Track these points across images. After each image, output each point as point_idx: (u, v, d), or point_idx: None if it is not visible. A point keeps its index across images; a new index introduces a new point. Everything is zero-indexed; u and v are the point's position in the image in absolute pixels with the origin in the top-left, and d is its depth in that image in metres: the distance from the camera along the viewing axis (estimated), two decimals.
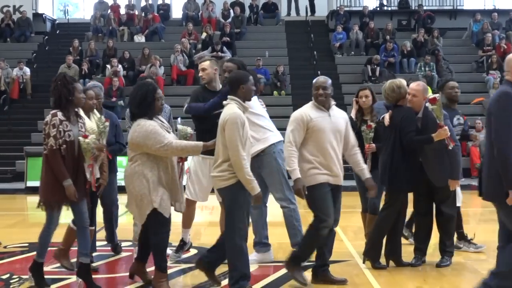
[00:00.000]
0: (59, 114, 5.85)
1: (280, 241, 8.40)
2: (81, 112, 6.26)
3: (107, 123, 6.39)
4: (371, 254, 6.74)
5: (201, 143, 5.87)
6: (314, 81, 6.26)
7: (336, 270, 6.56)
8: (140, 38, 23.41)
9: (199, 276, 6.46)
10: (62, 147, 5.79)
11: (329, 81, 6.24)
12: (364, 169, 6.30)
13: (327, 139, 6.04)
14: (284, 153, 6.16)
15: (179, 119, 6.61)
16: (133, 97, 5.93)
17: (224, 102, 5.80)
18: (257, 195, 5.61)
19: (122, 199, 6.82)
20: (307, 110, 6.14)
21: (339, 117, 6.21)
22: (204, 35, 22.30)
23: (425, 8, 24.69)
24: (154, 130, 5.69)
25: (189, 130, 6.21)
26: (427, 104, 6.47)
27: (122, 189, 7.14)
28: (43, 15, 25.51)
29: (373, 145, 7.00)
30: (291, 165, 5.99)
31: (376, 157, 6.99)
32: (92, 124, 6.38)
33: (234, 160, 5.51)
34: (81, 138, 5.91)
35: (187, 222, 7.38)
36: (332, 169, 6.05)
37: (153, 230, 5.83)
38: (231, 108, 5.68)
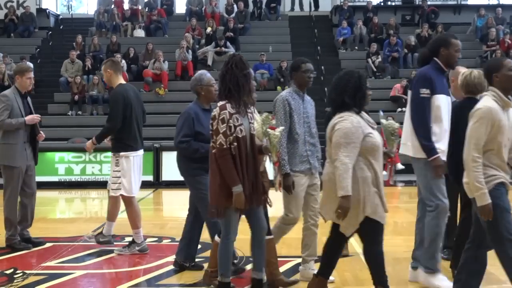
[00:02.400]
0: (228, 106, 5.06)
1: (284, 236, 8.41)
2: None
3: (274, 121, 5.56)
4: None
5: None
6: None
7: (340, 265, 6.55)
8: (140, 32, 23.35)
9: (200, 271, 6.47)
10: (232, 145, 5.01)
11: None
12: None
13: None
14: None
15: (381, 112, 5.91)
16: (344, 85, 4.99)
17: (483, 94, 4.93)
18: (482, 208, 4.54)
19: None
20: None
21: None
22: (208, 30, 22.29)
23: (429, 3, 24.65)
24: (352, 131, 4.85)
25: (396, 125, 5.40)
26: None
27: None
28: (47, 10, 25.54)
29: None
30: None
31: None
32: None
33: (464, 158, 4.62)
34: (270, 130, 5.22)
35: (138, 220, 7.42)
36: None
37: (369, 240, 5.03)
38: (484, 100, 4.74)
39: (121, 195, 7.31)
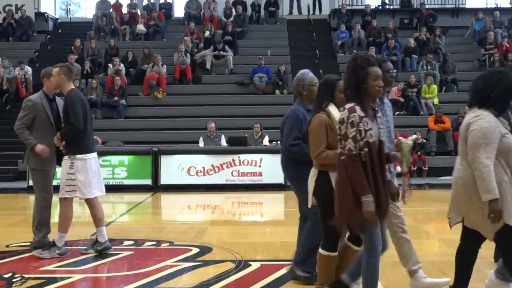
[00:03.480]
0: (358, 108, 4.55)
1: (282, 240, 8.43)
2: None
3: None
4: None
5: None
6: None
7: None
8: (141, 27, 23.32)
9: (199, 275, 6.48)
10: (362, 150, 4.52)
11: None
12: None
13: None
14: None
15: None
16: (496, 82, 4.71)
17: None
18: None
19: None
20: None
21: None
22: (206, 33, 22.32)
23: (427, 6, 24.69)
24: (490, 131, 4.59)
25: None
26: None
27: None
28: (45, 14, 25.55)
29: None
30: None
31: None
32: None
33: None
34: (401, 138, 4.90)
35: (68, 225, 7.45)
36: None
37: (506, 250, 4.82)
38: None
39: (66, 197, 7.36)
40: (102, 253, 7.48)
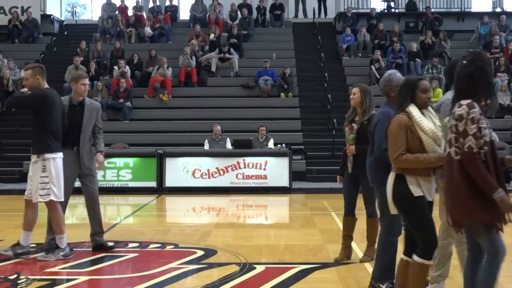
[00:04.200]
0: (476, 105, 4.33)
1: (287, 242, 8.43)
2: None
3: None
4: None
5: None
6: None
7: (342, 272, 6.56)
8: (148, 30, 23.36)
9: (203, 278, 6.48)
10: (483, 149, 4.28)
11: None
12: None
13: None
14: None
15: None
16: None
17: None
18: None
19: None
20: None
21: None
22: (211, 36, 22.34)
23: (432, 10, 24.67)
24: None
25: None
26: None
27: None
28: (51, 16, 25.59)
29: (352, 147, 6.74)
30: None
31: (359, 159, 6.56)
32: (430, 125, 4.89)
33: None
34: None
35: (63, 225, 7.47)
36: None
37: None
38: None
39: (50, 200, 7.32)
40: (19, 256, 7.45)
